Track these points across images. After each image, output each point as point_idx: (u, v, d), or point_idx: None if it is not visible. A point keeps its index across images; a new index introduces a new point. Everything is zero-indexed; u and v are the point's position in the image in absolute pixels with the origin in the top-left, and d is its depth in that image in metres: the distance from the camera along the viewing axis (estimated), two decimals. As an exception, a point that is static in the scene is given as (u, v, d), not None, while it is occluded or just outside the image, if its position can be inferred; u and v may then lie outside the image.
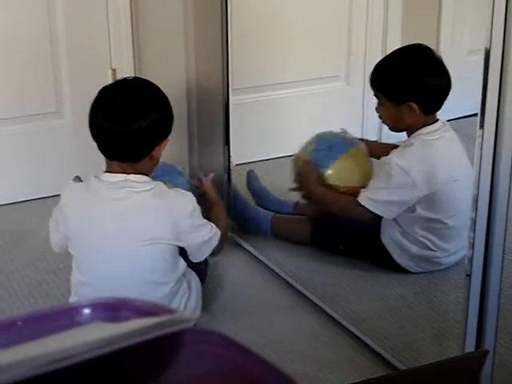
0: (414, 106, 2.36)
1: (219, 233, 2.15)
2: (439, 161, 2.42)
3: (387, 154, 2.45)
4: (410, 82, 2.37)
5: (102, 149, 2.03)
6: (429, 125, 2.41)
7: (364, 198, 2.42)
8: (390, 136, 2.66)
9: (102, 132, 2.00)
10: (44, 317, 0.80)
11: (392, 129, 2.50)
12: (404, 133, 2.47)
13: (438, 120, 2.42)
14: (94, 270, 2.04)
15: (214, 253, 2.20)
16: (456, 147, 2.44)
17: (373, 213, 2.42)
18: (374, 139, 2.98)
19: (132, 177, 2.01)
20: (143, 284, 2.02)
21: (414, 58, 2.42)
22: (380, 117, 2.49)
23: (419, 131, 2.40)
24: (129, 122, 1.97)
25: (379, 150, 2.59)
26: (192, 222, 2.05)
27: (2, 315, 2.31)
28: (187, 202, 2.05)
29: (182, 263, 2.11)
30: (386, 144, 2.69)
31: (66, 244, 2.10)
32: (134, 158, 2.01)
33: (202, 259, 2.17)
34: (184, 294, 2.13)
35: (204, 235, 2.10)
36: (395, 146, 2.50)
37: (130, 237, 2.01)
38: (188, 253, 2.13)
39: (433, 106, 2.41)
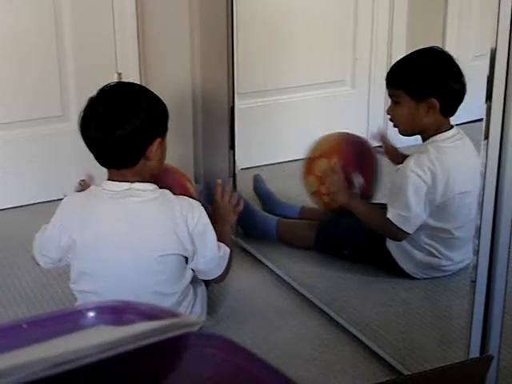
0: (435, 102, 2.34)
1: (229, 252, 2.11)
2: (454, 170, 2.37)
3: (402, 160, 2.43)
4: (433, 78, 2.36)
5: (97, 158, 2.01)
6: (444, 131, 2.38)
7: (395, 216, 2.37)
8: (395, 141, 2.64)
9: (91, 141, 1.99)
10: (48, 320, 0.80)
11: (403, 132, 2.43)
12: (412, 138, 2.44)
13: (452, 127, 2.40)
14: (99, 280, 2.00)
15: (218, 279, 2.16)
16: (470, 156, 2.37)
17: (403, 230, 2.38)
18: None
19: (137, 185, 1.98)
20: (149, 294, 1.98)
21: (437, 56, 2.42)
22: (391, 119, 2.44)
23: (434, 137, 2.38)
24: (112, 129, 1.94)
25: (396, 155, 2.58)
26: (198, 230, 2.00)
27: (6, 319, 2.32)
28: (194, 210, 2.00)
29: (189, 273, 2.07)
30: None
31: (60, 259, 2.06)
32: (128, 164, 1.98)
33: (213, 277, 2.12)
34: (190, 301, 2.11)
35: (213, 247, 2.05)
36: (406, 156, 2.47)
37: (136, 247, 1.97)
38: (197, 271, 2.08)
39: (450, 108, 2.38)
